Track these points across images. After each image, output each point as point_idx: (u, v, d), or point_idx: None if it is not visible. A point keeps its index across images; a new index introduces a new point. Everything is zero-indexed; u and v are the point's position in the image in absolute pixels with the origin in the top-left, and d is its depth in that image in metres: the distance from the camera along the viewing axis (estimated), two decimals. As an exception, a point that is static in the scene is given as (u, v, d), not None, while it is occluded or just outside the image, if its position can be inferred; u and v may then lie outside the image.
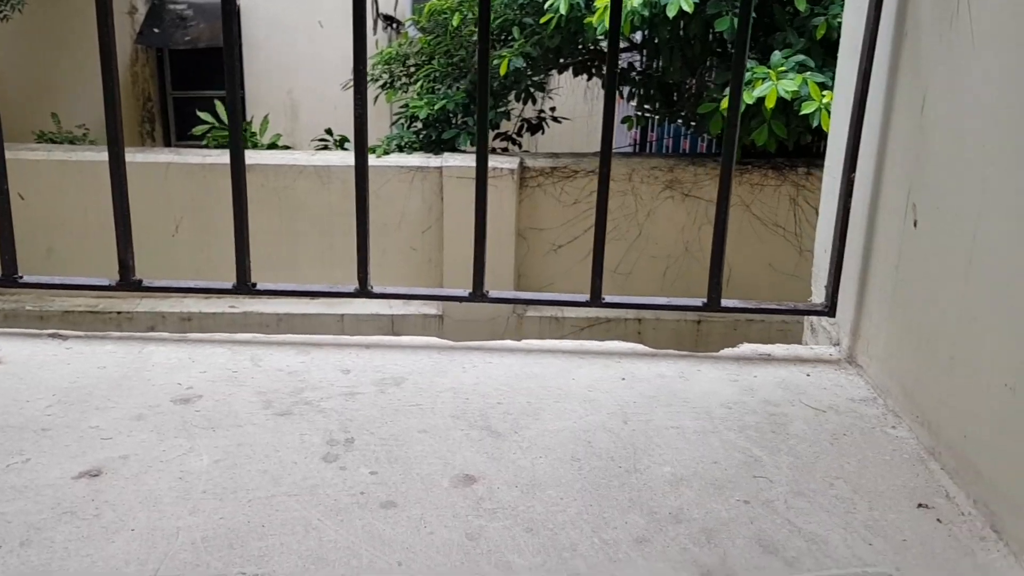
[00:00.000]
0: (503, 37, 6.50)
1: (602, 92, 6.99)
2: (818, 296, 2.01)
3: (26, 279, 1.89)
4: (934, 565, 1.24)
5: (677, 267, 6.45)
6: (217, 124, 7.02)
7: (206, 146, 6.98)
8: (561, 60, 6.65)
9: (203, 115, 7.07)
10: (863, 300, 1.81)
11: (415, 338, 1.92)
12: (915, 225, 1.60)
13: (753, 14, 5.57)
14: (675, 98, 6.68)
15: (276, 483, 1.40)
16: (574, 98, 7.41)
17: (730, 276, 6.33)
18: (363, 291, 1.86)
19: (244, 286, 1.85)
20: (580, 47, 6.51)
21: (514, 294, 2.01)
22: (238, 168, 1.82)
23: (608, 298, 1.90)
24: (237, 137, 1.85)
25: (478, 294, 1.87)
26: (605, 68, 6.46)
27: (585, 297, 1.90)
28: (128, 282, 1.88)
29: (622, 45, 6.71)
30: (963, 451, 1.42)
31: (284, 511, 1.33)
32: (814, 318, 2.08)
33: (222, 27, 1.81)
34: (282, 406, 1.64)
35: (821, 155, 6.40)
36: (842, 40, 1.94)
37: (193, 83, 9.40)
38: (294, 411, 1.63)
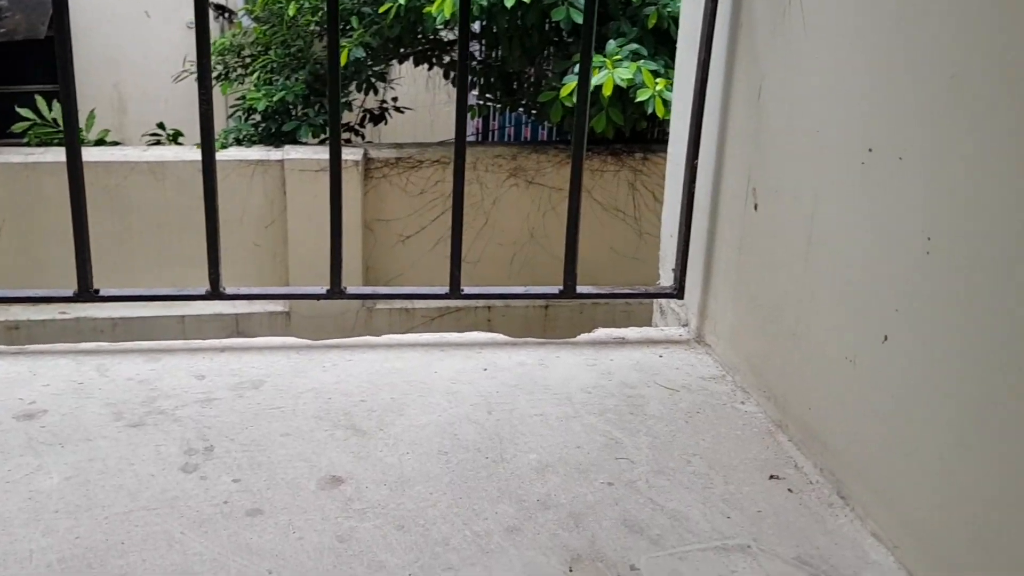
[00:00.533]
0: (342, 27, 6.39)
1: (444, 81, 6.96)
2: (666, 279, 2.07)
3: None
4: (788, 534, 1.30)
5: (524, 254, 6.52)
6: (39, 120, 6.62)
7: (28, 144, 6.57)
8: (402, 50, 6.59)
9: (23, 111, 6.64)
10: (709, 282, 1.88)
11: (271, 339, 1.87)
12: (756, 208, 1.67)
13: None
14: (515, 87, 6.73)
15: (133, 498, 1.34)
16: (416, 88, 7.37)
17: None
18: (215, 293, 1.80)
19: (87, 293, 1.75)
20: (420, 37, 6.46)
21: (372, 290, 1.99)
22: (75, 168, 1.73)
23: (467, 289, 1.90)
24: (73, 136, 1.74)
25: (336, 291, 1.84)
26: (448, 58, 6.36)
27: (444, 289, 1.90)
28: (-45, 293, 1.75)
29: (461, 35, 6.71)
30: (808, 423, 1.49)
31: (144, 526, 1.27)
32: (663, 300, 2.15)
33: (54, 18, 1.70)
34: (134, 417, 1.57)
35: (657, 140, 6.61)
36: (680, 31, 2.01)
37: (9, 78, 8.82)
38: (147, 421, 1.56)
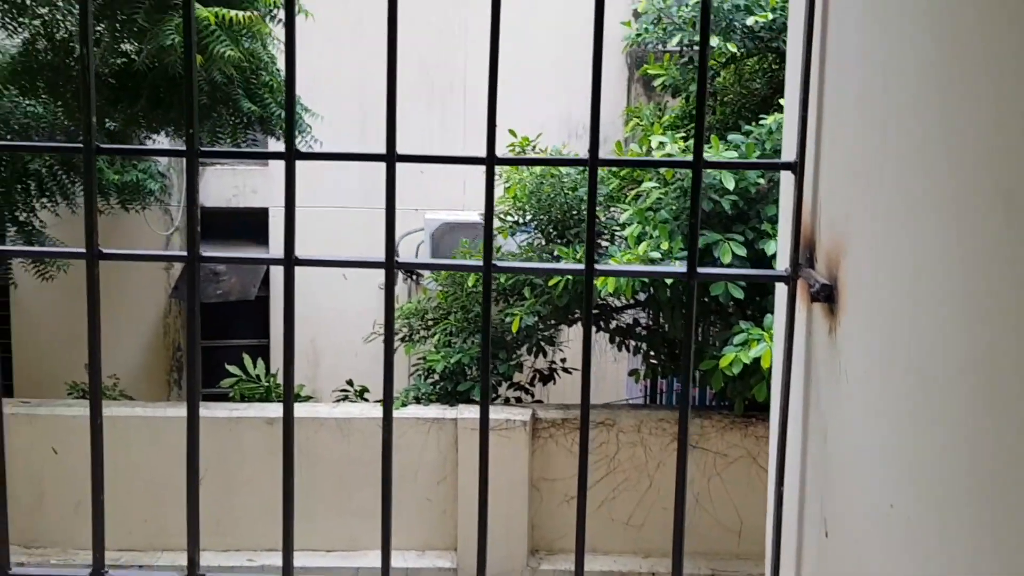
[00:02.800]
0: (514, 296, 7.16)
1: (609, 345, 7.54)
2: (768, 582, 2.41)
3: (16, 571, 2.30)
4: None
5: (688, 519, 6.77)
6: (244, 377, 7.61)
7: (232, 399, 7.53)
8: (570, 316, 7.27)
9: (231, 368, 7.66)
10: (799, 593, 2.22)
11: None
12: (826, 535, 2.04)
13: (743, 283, 6.20)
14: (678, 353, 7.23)
15: None
16: (584, 350, 7.98)
17: (742, 528, 6.66)
18: (380, 584, 2.29)
19: (281, 581, 2.27)
20: (588, 304, 7.13)
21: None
22: (288, 483, 2.29)
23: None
24: (290, 444, 2.32)
25: (476, 587, 2.29)
26: (614, 323, 6.95)
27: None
28: None
29: (628, 303, 7.35)
30: None
31: None
32: (770, 601, 2.48)
33: (284, 286, 2.29)
34: None
35: (822, 407, 6.86)
36: (773, 375, 2.45)
37: (219, 333, 10.13)
38: None
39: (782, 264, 2.26)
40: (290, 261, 2.16)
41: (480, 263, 2.22)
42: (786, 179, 2.29)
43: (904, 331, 1.73)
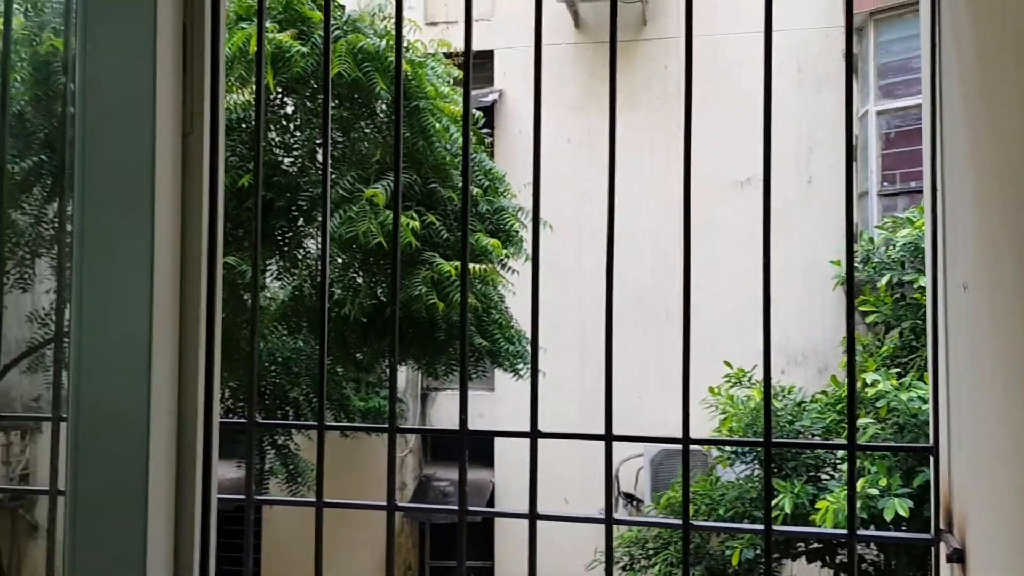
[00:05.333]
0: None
1: (835, 579, 7.74)
2: None
3: None
4: None
5: None
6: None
7: (461, 624, 8.23)
8: (791, 550, 7.61)
9: (459, 589, 8.41)
10: None
11: None
12: None
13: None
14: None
15: None
16: (809, 581, 8.22)
17: None
18: None
19: None
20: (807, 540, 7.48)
21: None
22: None
23: None
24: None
25: None
26: (839, 558, 7.26)
27: None
28: None
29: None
30: None
31: None
32: None
33: (527, 544, 2.99)
34: None
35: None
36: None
37: (446, 554, 10.97)
38: None
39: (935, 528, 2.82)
40: (532, 514, 2.92)
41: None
42: (932, 459, 2.88)
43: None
